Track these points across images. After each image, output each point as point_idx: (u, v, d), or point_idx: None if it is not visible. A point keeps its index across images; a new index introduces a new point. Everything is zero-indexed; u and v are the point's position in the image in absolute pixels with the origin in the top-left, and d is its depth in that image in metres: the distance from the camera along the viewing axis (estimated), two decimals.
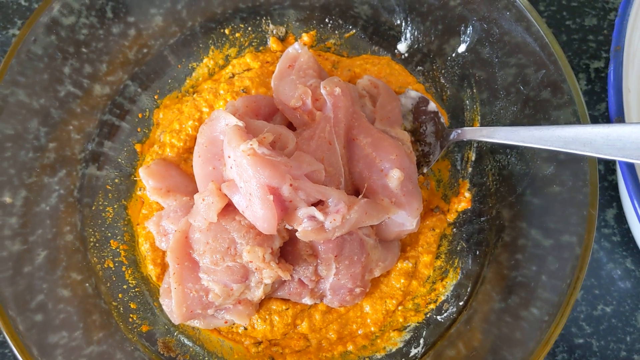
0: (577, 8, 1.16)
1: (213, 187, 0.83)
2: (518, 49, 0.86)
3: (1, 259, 0.80)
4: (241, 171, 0.77)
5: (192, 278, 0.84)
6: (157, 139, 0.99)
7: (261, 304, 0.92)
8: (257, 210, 0.78)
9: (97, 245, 0.92)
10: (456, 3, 0.91)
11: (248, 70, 1.01)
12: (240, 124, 0.81)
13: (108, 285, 0.91)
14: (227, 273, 0.83)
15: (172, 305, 0.84)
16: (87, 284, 0.89)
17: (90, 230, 0.92)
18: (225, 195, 0.82)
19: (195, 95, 1.00)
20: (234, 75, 1.01)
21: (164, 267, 0.94)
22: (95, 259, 0.91)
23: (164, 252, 0.94)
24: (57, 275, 0.86)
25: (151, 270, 0.94)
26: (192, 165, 0.94)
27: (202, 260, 0.84)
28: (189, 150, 0.98)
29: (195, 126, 0.97)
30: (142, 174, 0.94)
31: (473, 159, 0.97)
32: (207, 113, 0.97)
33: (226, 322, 0.90)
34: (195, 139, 0.95)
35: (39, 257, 0.84)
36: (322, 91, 0.88)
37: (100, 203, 0.94)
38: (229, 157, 0.79)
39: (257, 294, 0.86)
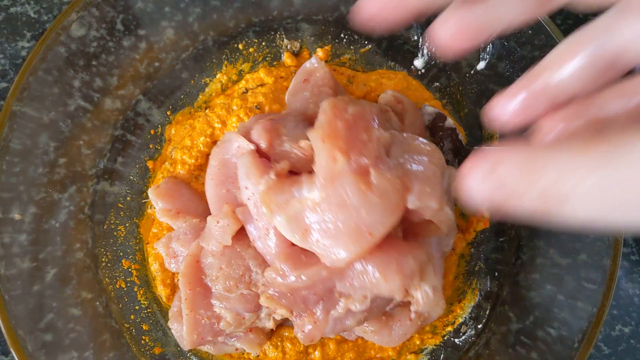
0: None
1: (228, 209, 0.81)
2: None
3: (10, 277, 0.78)
4: (259, 207, 0.76)
5: (204, 304, 0.82)
6: (169, 155, 0.98)
7: (273, 330, 0.90)
8: (271, 246, 0.77)
9: (108, 265, 0.90)
10: None
11: (262, 85, 0.99)
12: (252, 147, 0.79)
13: (120, 306, 0.89)
14: (241, 301, 0.81)
15: (182, 330, 0.83)
16: (97, 303, 0.87)
17: (102, 249, 0.91)
18: (240, 219, 0.81)
19: (207, 111, 0.98)
20: (247, 91, 0.99)
21: (173, 288, 0.93)
22: (107, 279, 0.90)
23: (173, 273, 0.93)
24: (67, 294, 0.84)
25: (161, 290, 0.93)
26: (203, 183, 0.93)
27: (214, 286, 0.82)
28: (200, 168, 0.96)
29: (207, 142, 0.95)
30: (152, 195, 0.92)
31: None
32: (219, 129, 0.96)
33: (237, 350, 0.88)
34: (207, 156, 0.95)
35: (49, 275, 0.83)
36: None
37: (112, 222, 0.93)
38: (246, 188, 0.77)
39: (268, 325, 0.84)
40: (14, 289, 0.78)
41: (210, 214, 0.85)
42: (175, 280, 0.93)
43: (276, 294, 0.77)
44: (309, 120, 0.88)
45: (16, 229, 0.81)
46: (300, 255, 0.74)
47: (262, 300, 0.78)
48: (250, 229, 0.80)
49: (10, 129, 0.80)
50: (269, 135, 0.78)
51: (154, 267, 0.93)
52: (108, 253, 0.91)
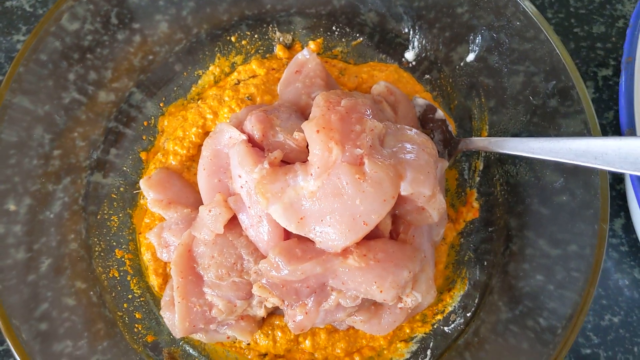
0: (586, 15, 1.16)
1: (220, 198, 0.82)
2: (527, 57, 0.85)
3: (5, 267, 0.79)
4: (252, 195, 0.77)
5: (196, 292, 0.83)
6: (162, 146, 0.99)
7: (264, 318, 0.91)
8: (263, 233, 0.78)
9: (102, 254, 0.91)
10: (464, 11, 0.90)
11: (254, 77, 1.00)
12: (244, 137, 0.80)
13: (113, 294, 0.90)
14: (232, 289, 0.82)
15: (174, 319, 0.84)
16: (91, 293, 0.88)
17: (95, 239, 0.92)
18: (232, 208, 0.82)
19: (199, 102, 0.99)
20: (239, 82, 1.00)
21: (165, 277, 0.94)
22: (100, 268, 0.90)
23: (165, 263, 0.94)
24: (62, 284, 0.85)
25: (153, 280, 0.93)
26: (195, 174, 0.94)
27: (206, 275, 0.83)
28: (192, 158, 0.97)
29: (198, 133, 0.96)
30: (143, 185, 0.93)
31: (481, 168, 0.96)
32: (210, 120, 0.97)
33: (228, 338, 0.89)
34: (199, 146, 0.95)
35: (43, 265, 0.84)
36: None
37: (105, 212, 0.94)
38: (240, 176, 0.78)
39: (259, 313, 0.85)
40: (9, 279, 0.79)
41: (202, 204, 0.86)
42: (167, 270, 0.94)
43: (268, 284, 0.78)
44: (302, 112, 0.89)
45: (11, 220, 0.82)
46: (294, 249, 0.76)
47: (255, 289, 0.79)
48: (243, 218, 0.81)
49: (4, 121, 0.81)
50: (263, 126, 0.79)
51: (146, 256, 0.94)
52: (101, 243, 0.92)
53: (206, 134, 0.96)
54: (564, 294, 0.80)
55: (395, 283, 0.75)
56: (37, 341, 0.78)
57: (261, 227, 0.78)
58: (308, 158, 0.74)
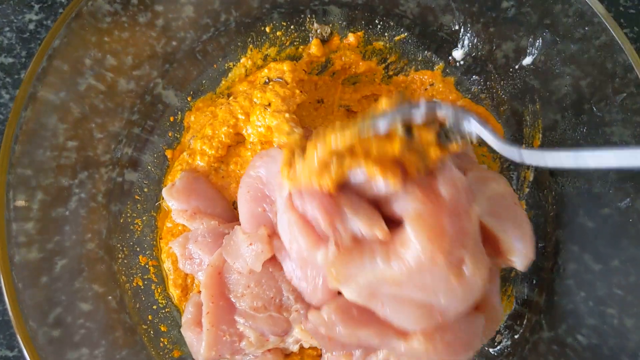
0: (636, 15, 1.09)
1: (264, 234, 0.77)
2: (594, 67, 0.78)
3: (16, 268, 0.72)
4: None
5: (227, 320, 0.78)
6: (188, 144, 0.92)
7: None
8: (315, 282, 0.73)
9: (125, 261, 0.86)
10: (526, 10, 0.83)
11: (280, 80, 0.92)
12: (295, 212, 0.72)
13: (137, 305, 0.85)
14: (268, 323, 0.77)
15: (195, 341, 0.79)
16: (110, 297, 0.82)
17: (118, 244, 0.86)
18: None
19: (230, 99, 0.92)
20: (269, 81, 0.93)
21: (185, 289, 0.89)
22: (124, 277, 0.85)
23: (186, 274, 0.88)
24: (77, 287, 0.79)
25: (173, 291, 0.88)
26: (223, 177, 0.88)
27: (239, 303, 0.78)
28: (221, 160, 0.91)
29: (229, 133, 0.90)
30: (166, 195, 0.87)
31: (531, 179, 0.91)
32: (242, 120, 0.90)
33: None
34: (228, 147, 0.89)
35: (57, 267, 0.77)
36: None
37: (129, 214, 0.88)
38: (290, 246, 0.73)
39: (292, 349, 0.81)
40: (20, 281, 0.72)
41: (231, 216, 0.80)
42: (188, 282, 0.88)
43: (312, 330, 0.73)
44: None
45: (22, 216, 0.75)
46: (352, 309, 0.70)
47: (297, 333, 0.75)
48: (288, 267, 0.76)
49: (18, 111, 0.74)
50: (330, 218, 0.70)
51: (166, 264, 0.88)
52: (125, 249, 0.87)
53: (237, 134, 0.90)
54: (605, 312, 0.77)
55: None
56: (50, 349, 0.72)
57: (314, 287, 0.73)
58: (400, 254, 0.67)
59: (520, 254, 0.74)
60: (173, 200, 0.86)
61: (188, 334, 0.81)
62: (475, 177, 0.75)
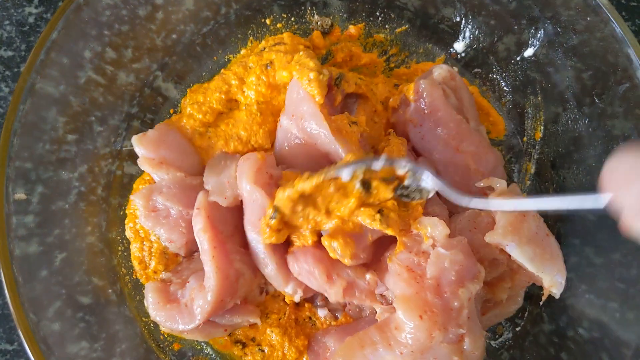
0: (638, 8, 1.09)
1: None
2: (596, 57, 0.78)
3: (16, 262, 0.72)
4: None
5: (228, 261, 0.79)
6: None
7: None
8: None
9: (125, 254, 0.86)
10: (528, 2, 0.83)
11: (279, 44, 0.90)
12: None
13: (137, 298, 0.85)
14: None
15: (206, 298, 0.78)
16: (110, 290, 0.82)
17: (118, 238, 0.86)
18: None
19: (222, 70, 0.91)
20: (264, 48, 0.91)
21: (146, 266, 0.87)
22: (123, 269, 0.85)
23: (143, 239, 0.86)
24: (77, 280, 0.79)
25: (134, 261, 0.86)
26: (209, 137, 0.87)
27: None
28: (208, 125, 0.88)
29: (221, 99, 0.87)
30: (135, 142, 0.84)
31: (532, 171, 0.91)
32: (236, 86, 0.87)
33: (226, 330, 0.84)
34: (218, 113, 0.88)
35: (57, 260, 0.77)
36: None
37: (126, 207, 0.88)
38: None
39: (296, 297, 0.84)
40: (19, 274, 0.72)
41: (198, 170, 0.84)
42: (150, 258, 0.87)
43: None
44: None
45: (22, 209, 0.75)
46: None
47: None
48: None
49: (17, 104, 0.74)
50: (348, 297, 0.78)
51: (128, 233, 0.86)
52: (124, 241, 0.86)
53: (229, 101, 0.88)
54: (606, 305, 0.77)
55: None
56: (50, 342, 0.72)
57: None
58: (397, 336, 0.71)
59: (560, 286, 0.76)
60: (142, 148, 0.84)
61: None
62: (509, 222, 0.76)
